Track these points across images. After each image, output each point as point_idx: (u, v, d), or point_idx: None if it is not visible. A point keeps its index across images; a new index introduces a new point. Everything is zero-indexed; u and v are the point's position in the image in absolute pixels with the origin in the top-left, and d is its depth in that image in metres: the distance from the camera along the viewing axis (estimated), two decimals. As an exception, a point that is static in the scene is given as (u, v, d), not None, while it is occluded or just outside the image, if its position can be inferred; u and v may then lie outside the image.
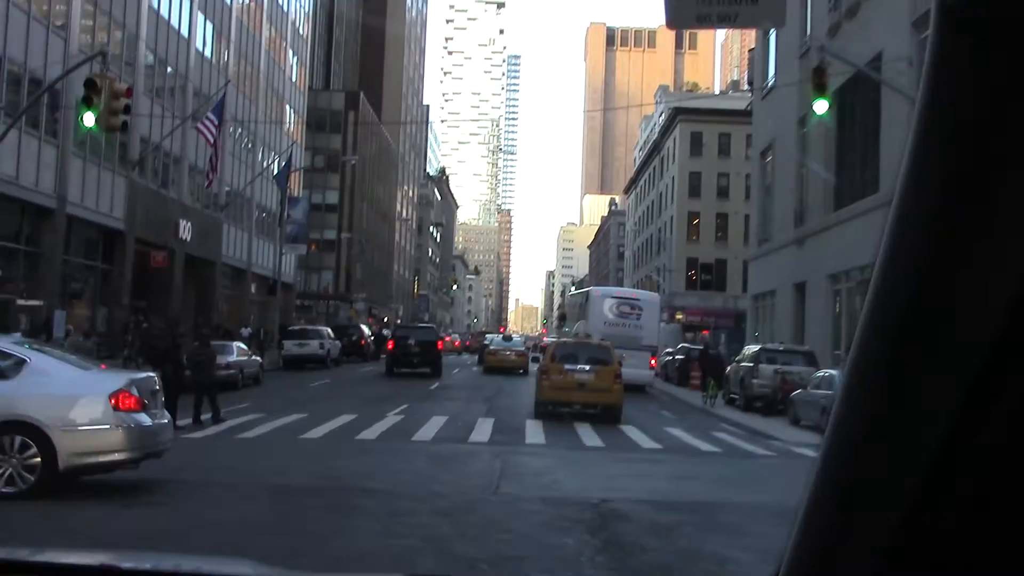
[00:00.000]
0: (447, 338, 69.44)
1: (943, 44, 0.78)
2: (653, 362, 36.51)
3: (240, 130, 53.85)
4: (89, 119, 17.47)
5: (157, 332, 30.61)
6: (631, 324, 36.34)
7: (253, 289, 56.81)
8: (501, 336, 56.26)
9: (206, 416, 19.16)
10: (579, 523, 9.47)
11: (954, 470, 0.84)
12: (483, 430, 19.27)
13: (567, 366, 22.36)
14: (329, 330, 44.71)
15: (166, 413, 11.73)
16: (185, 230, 43.88)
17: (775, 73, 42.99)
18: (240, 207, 54.14)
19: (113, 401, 10.17)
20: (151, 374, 11.99)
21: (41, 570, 1.90)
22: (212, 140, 37.93)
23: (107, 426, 10.11)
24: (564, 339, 30.51)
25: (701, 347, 38.06)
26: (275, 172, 51.30)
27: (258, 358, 32.41)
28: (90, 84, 17.15)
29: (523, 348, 47.86)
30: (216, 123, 37.82)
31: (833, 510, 0.93)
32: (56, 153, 32.66)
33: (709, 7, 7.91)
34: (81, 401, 10.21)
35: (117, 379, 10.74)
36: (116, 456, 10.26)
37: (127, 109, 18.27)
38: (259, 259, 57.78)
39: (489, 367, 43.62)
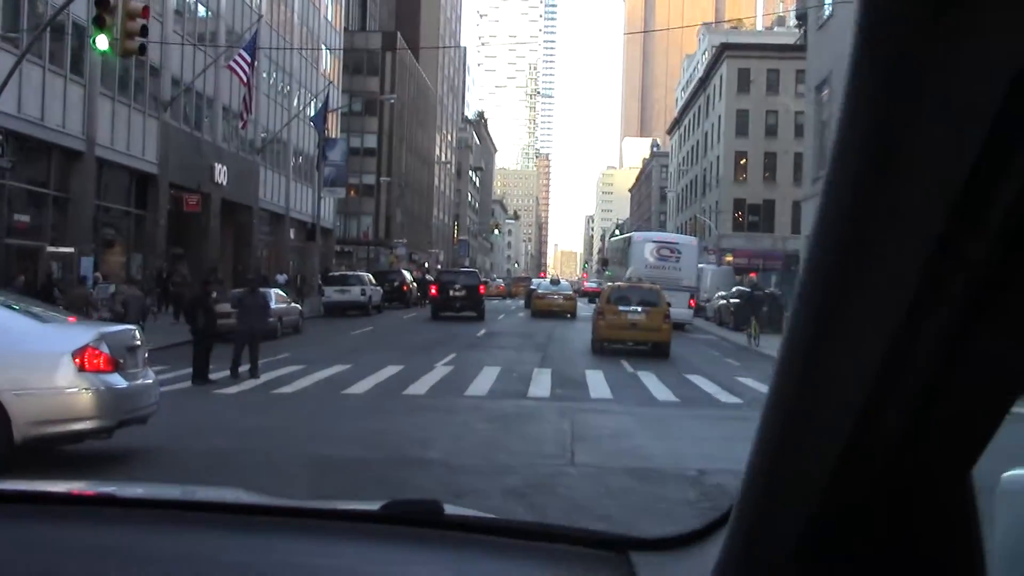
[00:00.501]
0: (492, 284, 68.90)
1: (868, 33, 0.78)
2: (692, 302, 37.84)
3: (275, 71, 52.13)
4: (102, 41, 15.81)
5: (179, 279, 29.07)
6: (671, 267, 38.35)
7: (291, 235, 55.47)
8: (548, 280, 55.43)
9: (243, 368, 17.72)
10: (685, 505, 7.84)
11: (885, 411, 0.88)
12: (542, 382, 17.66)
13: (621, 307, 24.40)
14: (370, 276, 43.28)
15: (149, 372, 10.09)
16: (221, 174, 42.42)
17: (832, 1, 40.56)
18: (277, 150, 52.63)
19: (78, 360, 8.57)
20: (128, 327, 10.28)
21: (35, 498, 1.85)
22: (245, 79, 36.29)
23: (72, 389, 8.54)
24: (618, 283, 30.78)
25: (748, 289, 38.14)
26: (312, 113, 49.62)
27: (298, 305, 31.00)
28: (101, 2, 15.47)
29: (571, 292, 46.58)
30: (249, 61, 36.14)
31: (778, 446, 0.99)
32: (83, 93, 31.16)
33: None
34: (39, 360, 8.62)
35: (83, 333, 9.05)
36: (83, 424, 8.66)
37: (144, 31, 16.56)
38: (297, 204, 56.37)
39: (537, 311, 42.87)
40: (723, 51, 77.41)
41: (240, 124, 39.56)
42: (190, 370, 17.04)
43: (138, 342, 9.74)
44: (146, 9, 16.77)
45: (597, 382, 18.03)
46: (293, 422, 12.67)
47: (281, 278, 42.95)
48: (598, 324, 24.94)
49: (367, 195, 78.34)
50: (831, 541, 0.98)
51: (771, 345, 29.40)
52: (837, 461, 0.93)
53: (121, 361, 9.09)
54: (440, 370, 19.46)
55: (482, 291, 40.15)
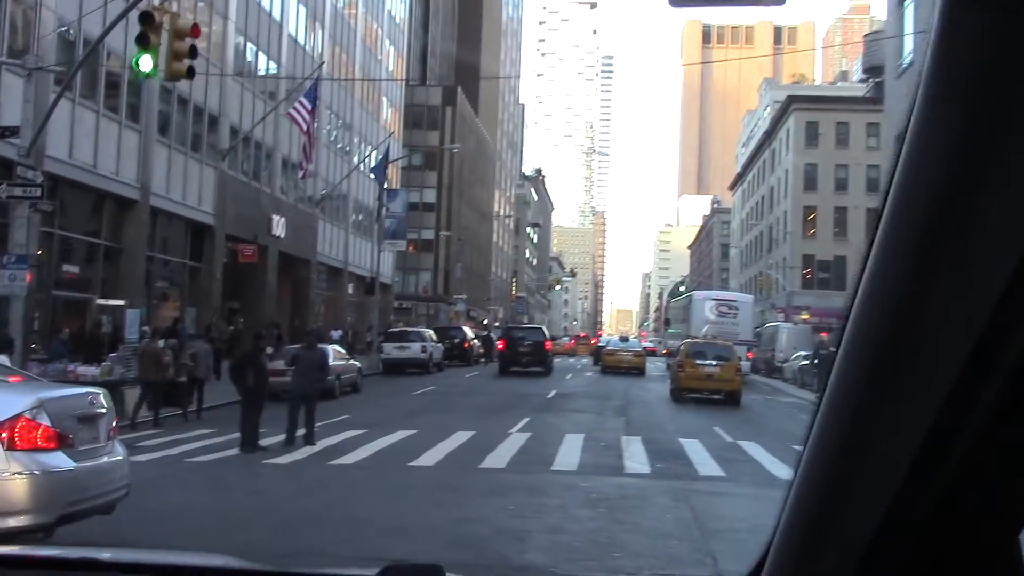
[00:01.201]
0: (559, 341, 69.89)
1: (951, 16, 0.76)
2: (749, 355, 39.52)
3: (335, 123, 51.11)
4: (146, 63, 14.25)
5: (216, 334, 27.28)
6: (729, 322, 40.88)
7: (350, 290, 53.99)
8: (618, 337, 57.12)
9: (299, 433, 15.78)
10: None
11: (930, 473, 0.88)
12: (635, 454, 15.44)
13: (698, 361, 27.34)
14: (432, 332, 41.44)
15: (117, 446, 7.98)
16: (279, 226, 41.06)
17: (912, 50, 38.45)
18: (336, 203, 51.41)
19: (5, 434, 6.63)
20: (85, 390, 8.19)
21: (17, 563, 1.87)
22: (305, 127, 34.99)
23: None
24: (695, 339, 32.38)
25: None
26: (372, 165, 48.33)
27: (356, 363, 29.15)
28: (146, 18, 13.90)
29: (640, 349, 47.28)
30: (309, 109, 34.85)
31: (817, 507, 0.97)
32: (139, 139, 29.96)
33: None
34: None
35: (16, 399, 7.07)
36: (10, 521, 6.51)
37: (193, 52, 14.96)
38: (355, 258, 55.02)
39: (607, 367, 43.49)
40: (790, 104, 75.35)
41: (300, 174, 38.22)
42: (238, 435, 15.19)
43: (100, 409, 7.71)
44: (195, 28, 15.22)
45: (697, 452, 15.77)
46: (355, 506, 10.62)
47: (336, 334, 41.27)
48: (678, 375, 27.95)
49: (425, 250, 77.01)
50: None
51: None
52: (878, 528, 0.90)
53: (70, 435, 7.09)
54: (516, 437, 17.34)
55: (548, 347, 41.01)
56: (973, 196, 0.76)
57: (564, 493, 11.35)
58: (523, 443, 16.53)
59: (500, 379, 36.28)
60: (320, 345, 18.72)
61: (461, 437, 16.93)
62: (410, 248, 68.27)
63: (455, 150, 67.94)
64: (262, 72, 40.68)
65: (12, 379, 8.89)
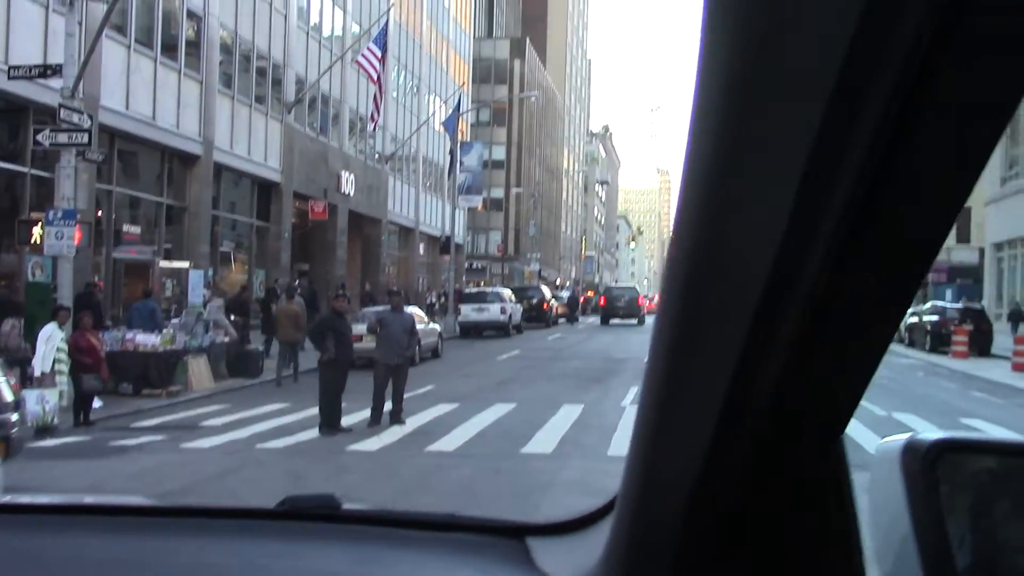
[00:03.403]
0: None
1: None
2: None
3: (404, 75, 48.74)
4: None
5: (284, 290, 25.14)
6: None
7: (421, 250, 51.91)
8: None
9: (385, 409, 13.59)
10: None
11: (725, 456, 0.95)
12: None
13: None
14: (510, 293, 39.15)
15: None
16: (348, 183, 38.94)
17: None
18: (405, 160, 49.20)
19: None
20: None
21: None
22: (376, 76, 32.73)
23: None
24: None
25: (961, 305, 32.91)
26: (443, 119, 45.98)
27: (437, 326, 26.99)
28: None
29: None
30: (379, 56, 32.55)
31: (650, 445, 1.04)
32: (200, 90, 27.92)
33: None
34: None
35: None
36: None
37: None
38: (426, 217, 52.88)
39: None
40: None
41: (371, 126, 36.00)
42: (316, 412, 13.05)
43: None
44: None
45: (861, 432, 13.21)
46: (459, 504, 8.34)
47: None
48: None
49: (495, 209, 74.64)
50: (708, 515, 1.02)
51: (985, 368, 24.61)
52: (711, 437, 0.95)
53: None
54: (634, 412, 14.94)
55: (641, 302, 47.90)
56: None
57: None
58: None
59: (588, 341, 33.93)
60: (407, 308, 16.47)
61: (571, 413, 14.60)
62: (479, 207, 66.01)
63: (532, 98, 65.11)
64: (327, 20, 38.37)
65: None
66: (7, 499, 2.13)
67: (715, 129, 0.82)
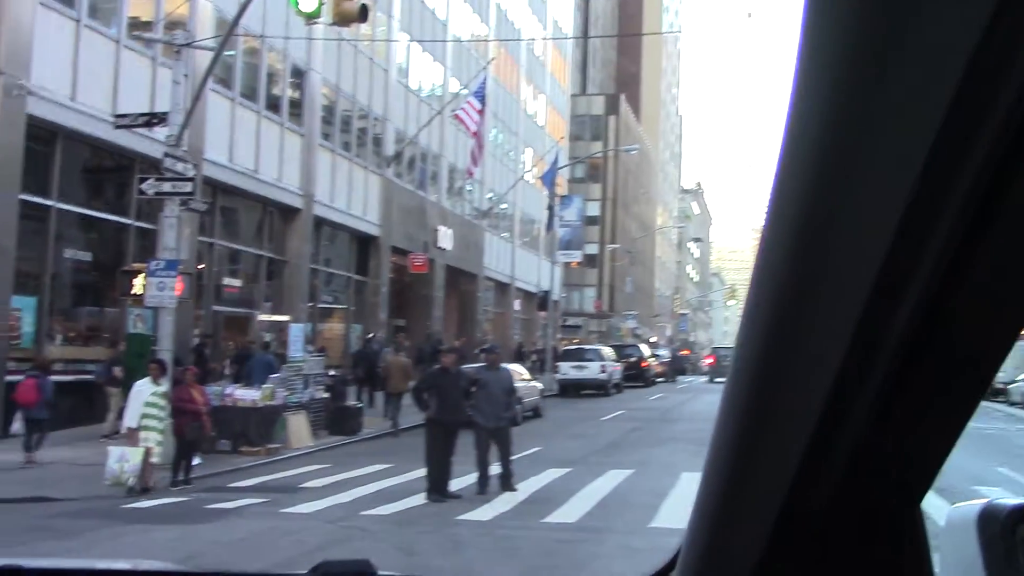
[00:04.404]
0: None
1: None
2: None
3: (500, 130, 48.48)
4: (308, 1, 11.46)
5: (379, 347, 24.63)
6: None
7: (517, 305, 51.15)
8: None
9: (493, 472, 12.66)
10: None
11: (823, 459, 0.90)
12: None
13: None
14: (610, 350, 37.99)
15: None
16: (445, 238, 38.51)
17: None
18: (501, 215, 48.73)
19: None
20: None
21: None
22: (474, 128, 32.37)
23: None
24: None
25: None
26: (537, 174, 45.50)
27: (538, 383, 26.04)
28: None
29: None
30: (478, 108, 32.23)
31: (718, 503, 0.99)
32: (301, 144, 27.81)
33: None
34: None
35: None
36: None
37: (368, -11, 12.13)
38: (522, 273, 52.21)
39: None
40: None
41: (467, 175, 35.62)
42: (423, 473, 12.19)
43: None
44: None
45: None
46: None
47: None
48: None
49: (589, 265, 73.65)
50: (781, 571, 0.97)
51: None
52: (782, 506, 0.92)
53: None
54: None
55: None
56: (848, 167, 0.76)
57: None
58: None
59: (692, 402, 32.54)
60: (504, 365, 15.53)
61: (692, 481, 13.43)
62: (574, 263, 65.17)
63: (633, 151, 64.29)
64: (427, 76, 38.31)
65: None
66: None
67: (799, 195, 0.79)
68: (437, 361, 13.90)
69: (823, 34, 0.73)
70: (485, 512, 11.07)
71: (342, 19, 12.14)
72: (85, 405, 17.78)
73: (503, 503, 11.65)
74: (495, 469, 12.75)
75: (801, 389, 0.85)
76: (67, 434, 16.32)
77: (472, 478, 12.62)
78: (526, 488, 12.73)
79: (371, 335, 29.02)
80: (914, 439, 0.88)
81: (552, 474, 14.21)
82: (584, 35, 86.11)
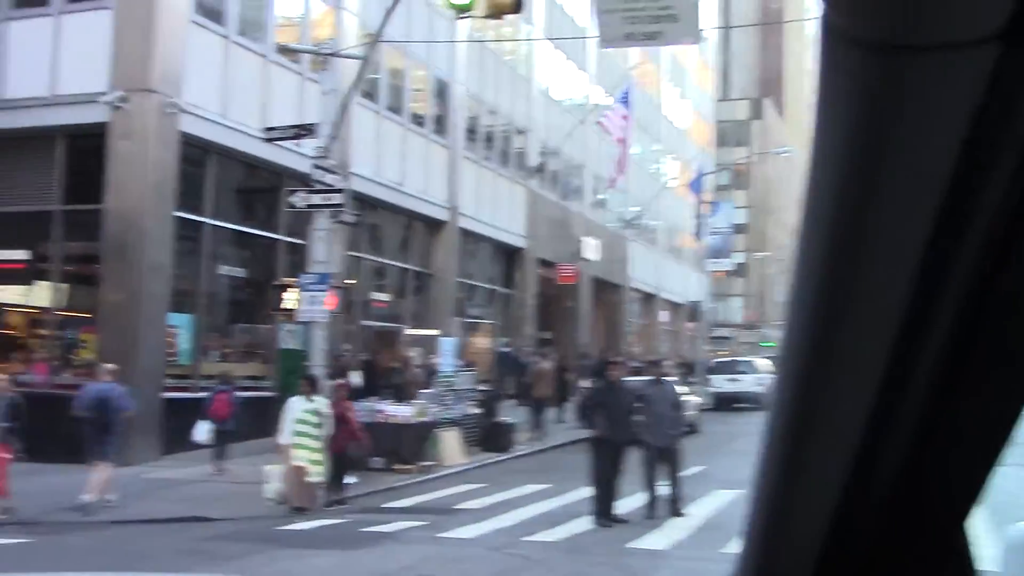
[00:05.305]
0: None
1: (831, 56, 0.79)
2: None
3: (644, 137, 47.37)
4: (464, -9, 10.88)
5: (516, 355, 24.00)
6: None
7: (665, 316, 49.82)
8: None
9: (660, 492, 11.74)
10: None
11: (870, 473, 0.88)
12: None
13: None
14: (765, 362, 36.37)
15: None
16: (590, 248, 37.66)
17: None
18: (646, 225, 47.55)
19: None
20: None
21: None
22: (619, 135, 31.48)
23: None
24: None
25: None
26: (684, 182, 44.20)
27: (697, 398, 24.90)
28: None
29: None
30: (622, 115, 31.35)
31: (766, 522, 0.98)
32: (446, 156, 27.50)
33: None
34: None
35: None
36: None
37: (520, -15, 11.44)
38: (667, 283, 50.86)
39: None
40: None
41: (610, 183, 34.76)
42: (585, 494, 11.37)
43: None
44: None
45: None
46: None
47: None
48: None
49: (735, 274, 71.60)
50: None
51: None
52: (826, 530, 0.91)
53: None
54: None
55: None
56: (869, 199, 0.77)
57: None
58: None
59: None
60: (667, 379, 14.52)
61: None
62: (719, 273, 63.36)
63: (785, 153, 62.21)
64: (570, 85, 37.63)
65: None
66: None
67: (832, 193, 0.79)
68: (602, 376, 13.01)
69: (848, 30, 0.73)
70: (658, 540, 10.16)
71: (496, 10, 11.49)
72: (260, 419, 17.60)
73: (676, 529, 10.71)
74: (661, 490, 11.83)
75: (843, 401, 0.83)
76: (241, 447, 16.16)
77: (634, 500, 11.74)
78: (696, 512, 11.76)
79: (509, 345, 28.58)
80: (959, 452, 0.84)
81: (722, 496, 13.17)
82: (727, 27, 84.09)
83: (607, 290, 41.58)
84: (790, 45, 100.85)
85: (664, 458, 11.87)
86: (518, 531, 10.59)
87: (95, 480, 12.38)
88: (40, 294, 17.98)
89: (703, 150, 52.07)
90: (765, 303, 72.24)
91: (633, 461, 11.87)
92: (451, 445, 16.78)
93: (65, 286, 17.85)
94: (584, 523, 11.00)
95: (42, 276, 18.03)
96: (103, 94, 16.47)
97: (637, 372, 17.88)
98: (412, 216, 26.05)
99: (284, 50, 19.01)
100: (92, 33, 17.38)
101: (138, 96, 16.57)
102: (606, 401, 11.74)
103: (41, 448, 13.73)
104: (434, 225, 27.03)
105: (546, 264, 34.04)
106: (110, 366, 12.90)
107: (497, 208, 30.78)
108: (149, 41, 16.89)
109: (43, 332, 17.88)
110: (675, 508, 11.68)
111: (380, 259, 25.16)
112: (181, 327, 17.46)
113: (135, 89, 16.58)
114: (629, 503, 11.72)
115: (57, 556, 9.59)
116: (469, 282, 30.08)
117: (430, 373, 20.00)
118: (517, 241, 32.04)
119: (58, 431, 14.44)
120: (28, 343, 18.20)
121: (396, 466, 15.59)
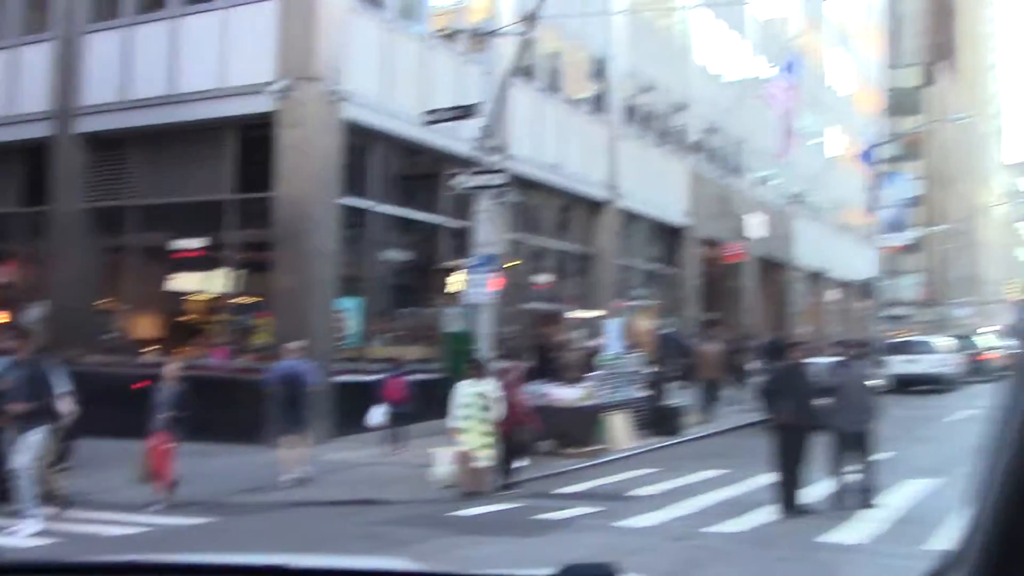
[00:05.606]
0: None
1: None
2: None
3: (807, 110, 45.44)
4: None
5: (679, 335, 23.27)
6: None
7: (836, 295, 47.80)
8: None
9: (845, 479, 11.00)
10: None
11: None
12: None
13: None
14: (948, 341, 34.36)
15: None
16: (754, 226, 36.34)
17: None
18: (811, 200, 45.67)
19: None
20: None
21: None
22: (784, 108, 30.20)
23: None
24: None
25: None
26: (854, 153, 42.15)
27: (879, 380, 23.54)
28: None
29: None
30: (787, 85, 30.04)
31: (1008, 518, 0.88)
32: (605, 134, 26.97)
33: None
34: None
35: None
36: None
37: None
38: (835, 260, 48.77)
39: None
40: None
41: (777, 156, 33.42)
42: (766, 482, 10.74)
43: None
44: None
45: None
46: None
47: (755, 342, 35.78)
48: None
49: (908, 250, 68.12)
50: None
51: None
52: None
53: None
54: None
55: None
56: None
57: None
58: None
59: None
60: (857, 360, 13.63)
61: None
62: (895, 247, 60.35)
63: (964, 120, 58.61)
64: (730, 58, 36.39)
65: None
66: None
67: None
68: (781, 357, 12.34)
69: None
70: (852, 534, 9.46)
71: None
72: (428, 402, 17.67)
73: (870, 522, 9.96)
74: (849, 479, 11.09)
75: None
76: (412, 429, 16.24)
77: (819, 489, 11.04)
78: (888, 503, 10.95)
79: (672, 326, 27.90)
80: None
81: (914, 486, 12.27)
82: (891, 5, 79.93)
83: (771, 269, 40.16)
84: (963, 9, 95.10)
85: (853, 444, 11.14)
86: (697, 521, 10.09)
87: (287, 456, 12.64)
88: (216, 281, 18.53)
89: (873, 119, 49.54)
90: (942, 280, 68.51)
91: (819, 447, 11.16)
92: (619, 428, 16.37)
93: (240, 273, 18.34)
94: (768, 513, 10.40)
95: (218, 264, 18.58)
96: (269, 84, 16.77)
97: (813, 353, 17.07)
98: (571, 197, 25.69)
99: (443, 33, 18.90)
100: (257, 24, 17.73)
101: (303, 85, 16.80)
102: (789, 384, 11.07)
103: (217, 430, 14.11)
104: (594, 206, 26.59)
105: (709, 243, 33.10)
106: (297, 343, 13.14)
107: (658, 187, 30.05)
108: (311, 30, 17.11)
109: (220, 318, 18.44)
110: (865, 498, 10.92)
111: (540, 241, 24.92)
112: (349, 312, 17.67)
113: (300, 78, 16.81)
114: (814, 492, 11.02)
115: (239, 538, 9.71)
116: (629, 262, 29.51)
117: (591, 355, 19.65)
118: (679, 220, 31.23)
119: (235, 414, 14.83)
120: (206, 328, 18.82)
121: (565, 450, 15.30)
